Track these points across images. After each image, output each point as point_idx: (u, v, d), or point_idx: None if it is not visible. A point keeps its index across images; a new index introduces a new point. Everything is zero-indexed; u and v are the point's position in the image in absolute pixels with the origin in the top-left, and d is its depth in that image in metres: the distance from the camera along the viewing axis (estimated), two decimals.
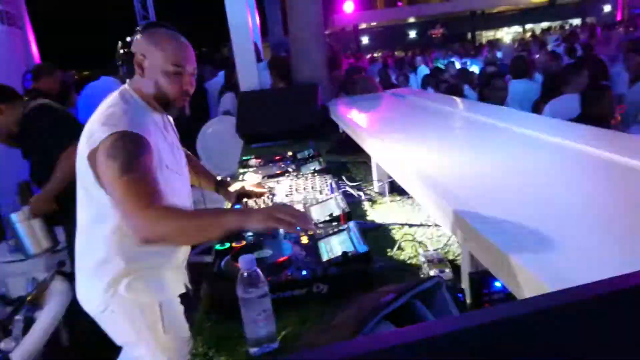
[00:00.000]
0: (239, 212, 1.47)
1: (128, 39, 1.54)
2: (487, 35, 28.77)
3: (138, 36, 1.53)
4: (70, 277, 2.84)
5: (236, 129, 3.46)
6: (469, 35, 27.62)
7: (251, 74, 3.92)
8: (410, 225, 1.71)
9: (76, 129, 1.76)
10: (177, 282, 1.77)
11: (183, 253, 1.78)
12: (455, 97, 3.38)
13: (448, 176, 1.44)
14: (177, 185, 1.60)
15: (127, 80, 1.59)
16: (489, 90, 4.11)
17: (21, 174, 3.39)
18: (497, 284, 1.08)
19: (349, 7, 24.90)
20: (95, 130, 1.43)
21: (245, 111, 3.48)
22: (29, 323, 2.55)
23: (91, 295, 1.64)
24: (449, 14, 28.46)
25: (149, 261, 1.61)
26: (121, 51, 1.54)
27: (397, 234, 1.66)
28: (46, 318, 2.60)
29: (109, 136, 1.39)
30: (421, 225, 1.70)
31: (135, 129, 1.41)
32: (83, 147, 1.47)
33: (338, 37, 23.47)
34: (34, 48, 5.93)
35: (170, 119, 1.76)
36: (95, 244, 1.57)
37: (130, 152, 1.36)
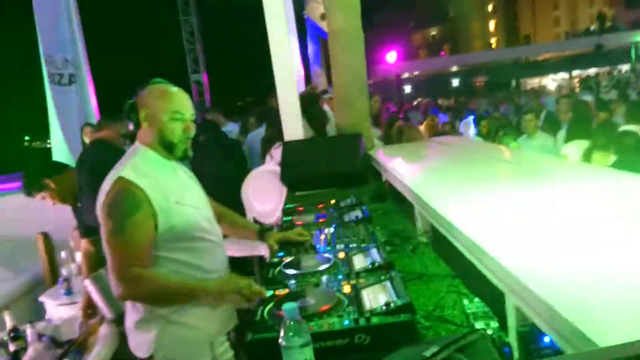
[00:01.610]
0: (200, 290, 1.64)
1: (133, 98, 1.73)
2: (532, 82, 28.54)
3: (141, 94, 1.72)
4: (118, 323, 2.91)
5: (280, 177, 3.53)
6: (513, 83, 27.47)
7: (296, 124, 4.03)
8: (455, 276, 1.68)
9: None
10: (227, 316, 1.82)
11: None
12: (499, 145, 3.35)
13: (493, 227, 1.42)
14: (194, 217, 1.73)
15: (137, 134, 1.76)
16: None
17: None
18: (547, 339, 1.04)
19: (391, 57, 25.41)
20: (103, 184, 1.66)
21: (289, 160, 3.56)
22: None
23: (142, 339, 1.70)
24: (492, 62, 28.51)
25: None
26: (128, 109, 1.74)
27: (441, 284, 1.64)
28: None
29: (110, 189, 1.60)
30: (465, 275, 1.66)
31: (132, 177, 1.60)
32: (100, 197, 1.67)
33: (380, 87, 23.83)
34: (94, 102, 6.35)
35: (184, 168, 1.91)
36: None
37: (123, 211, 1.56)
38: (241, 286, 1.58)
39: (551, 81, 27.79)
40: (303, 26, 9.07)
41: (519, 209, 1.61)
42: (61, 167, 2.97)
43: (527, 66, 28.82)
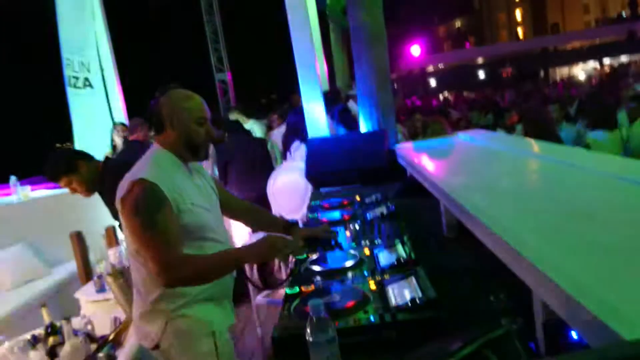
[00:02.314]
0: (240, 254, 1.70)
1: (153, 102, 1.79)
2: (560, 72, 27.89)
3: (163, 99, 1.78)
4: None
5: (305, 174, 3.55)
6: (542, 73, 26.88)
7: (320, 121, 4.04)
8: (481, 272, 1.67)
9: None
10: (227, 312, 1.91)
11: (229, 284, 1.91)
12: (527, 139, 3.30)
13: (519, 221, 1.41)
14: (205, 218, 1.81)
15: (155, 137, 1.83)
16: None
17: (108, 218, 3.63)
18: (574, 334, 1.03)
19: (415, 50, 25.16)
20: (125, 180, 1.71)
21: (314, 156, 3.58)
22: None
23: (148, 331, 1.79)
24: (519, 52, 27.96)
25: (199, 293, 1.75)
26: (150, 114, 1.80)
27: (466, 279, 1.63)
28: (126, 357, 2.72)
29: (130, 188, 1.65)
30: (492, 271, 1.65)
31: (152, 178, 1.66)
32: (118, 198, 1.73)
33: (405, 80, 23.61)
34: (118, 105, 6.48)
35: (202, 168, 1.98)
36: (149, 282, 1.73)
37: (149, 208, 1.62)
38: (275, 240, 1.66)
39: (581, 71, 27.09)
40: (326, 22, 9.07)
41: (547, 204, 1.58)
42: (89, 156, 2.95)
43: (555, 56, 28.16)
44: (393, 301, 1.36)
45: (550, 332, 1.06)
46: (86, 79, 6.29)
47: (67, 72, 6.07)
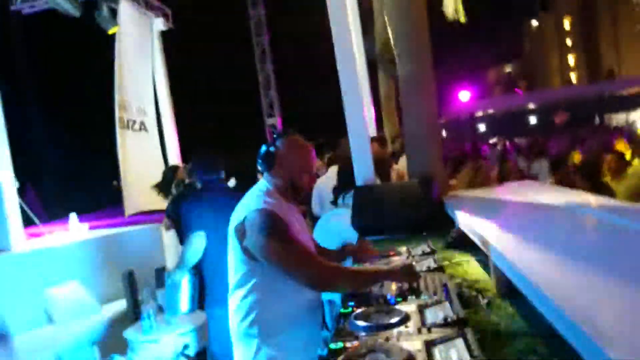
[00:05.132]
0: (378, 275, 1.91)
1: (270, 142, 2.00)
2: (617, 118, 26.93)
3: (280, 141, 1.99)
4: None
5: (351, 222, 3.55)
6: (597, 119, 26.06)
7: (367, 168, 4.05)
8: (533, 334, 1.60)
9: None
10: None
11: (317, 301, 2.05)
12: (580, 192, 3.19)
13: (573, 283, 1.36)
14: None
15: (264, 174, 2.02)
16: None
17: (157, 261, 3.74)
18: None
19: (464, 96, 25.05)
20: (240, 211, 1.91)
21: (360, 205, 3.58)
22: None
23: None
24: (573, 98, 27.28)
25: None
26: (265, 152, 1.99)
27: (520, 342, 1.57)
28: None
29: (254, 214, 1.84)
30: (544, 334, 1.58)
31: (270, 207, 1.86)
32: (231, 228, 1.93)
33: (452, 126, 23.44)
34: (174, 147, 6.77)
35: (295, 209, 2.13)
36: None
37: (278, 227, 1.82)
38: (405, 266, 1.90)
39: None
40: (375, 68, 9.23)
41: (607, 269, 1.52)
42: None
43: (611, 101, 27.30)
44: None
45: None
46: (142, 123, 6.62)
47: (124, 115, 6.39)
